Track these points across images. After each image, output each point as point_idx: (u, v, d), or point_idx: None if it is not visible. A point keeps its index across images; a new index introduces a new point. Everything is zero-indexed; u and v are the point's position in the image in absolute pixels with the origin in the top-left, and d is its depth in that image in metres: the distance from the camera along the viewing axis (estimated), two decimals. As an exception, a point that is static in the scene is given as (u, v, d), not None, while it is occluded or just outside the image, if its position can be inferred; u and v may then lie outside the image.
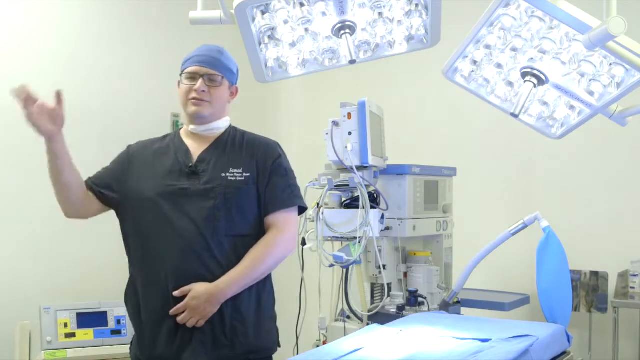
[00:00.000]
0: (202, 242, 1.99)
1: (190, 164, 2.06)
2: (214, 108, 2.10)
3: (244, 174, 2.06)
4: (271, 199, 2.08)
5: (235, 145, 2.13)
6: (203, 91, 2.06)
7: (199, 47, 2.14)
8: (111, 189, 2.10)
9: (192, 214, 2.00)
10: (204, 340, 1.98)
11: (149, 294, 2.03)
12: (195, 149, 2.11)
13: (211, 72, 2.08)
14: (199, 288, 1.96)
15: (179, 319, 1.97)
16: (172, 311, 1.97)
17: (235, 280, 1.99)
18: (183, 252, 1.98)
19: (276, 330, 2.17)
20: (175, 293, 1.97)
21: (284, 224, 2.08)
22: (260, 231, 2.08)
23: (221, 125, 2.15)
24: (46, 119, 1.93)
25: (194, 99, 2.07)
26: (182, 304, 1.96)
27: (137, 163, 2.11)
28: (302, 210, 2.18)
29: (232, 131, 2.17)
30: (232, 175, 2.05)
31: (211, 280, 1.98)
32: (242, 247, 2.03)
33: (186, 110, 2.11)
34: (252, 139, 2.16)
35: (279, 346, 2.18)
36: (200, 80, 2.06)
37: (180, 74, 2.12)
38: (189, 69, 2.09)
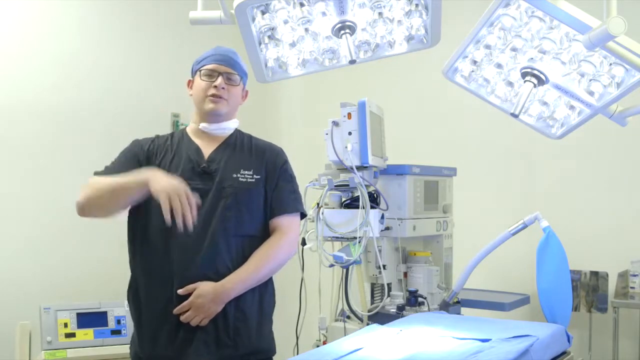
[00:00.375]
0: (211, 242, 1.99)
1: (203, 164, 2.07)
2: (230, 106, 2.12)
3: (255, 176, 2.09)
4: (277, 202, 2.10)
5: (244, 147, 2.15)
6: (223, 88, 2.08)
7: (214, 47, 2.15)
8: None
9: (203, 213, 2.00)
10: (206, 340, 1.99)
11: (153, 292, 2.03)
12: (205, 148, 2.12)
13: (230, 70, 2.11)
14: (204, 287, 1.96)
15: (182, 317, 1.97)
16: (176, 309, 1.97)
17: (241, 280, 2.00)
18: (191, 251, 1.99)
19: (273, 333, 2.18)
20: (180, 291, 1.97)
21: (288, 227, 2.11)
22: (265, 233, 2.10)
23: (231, 125, 2.17)
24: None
25: (213, 95, 2.08)
26: (187, 302, 1.96)
27: (152, 162, 2.09)
28: (302, 216, 2.21)
29: (238, 134, 2.19)
30: (242, 176, 2.07)
31: (216, 280, 1.98)
32: (249, 248, 2.05)
33: (202, 107, 2.11)
34: (261, 144, 2.20)
35: None
36: (220, 78, 2.08)
37: (197, 72, 2.13)
38: (208, 67, 2.10)
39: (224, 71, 2.10)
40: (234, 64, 2.12)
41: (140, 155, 2.11)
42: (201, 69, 2.11)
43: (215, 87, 2.08)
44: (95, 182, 2.02)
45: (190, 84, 2.17)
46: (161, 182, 1.88)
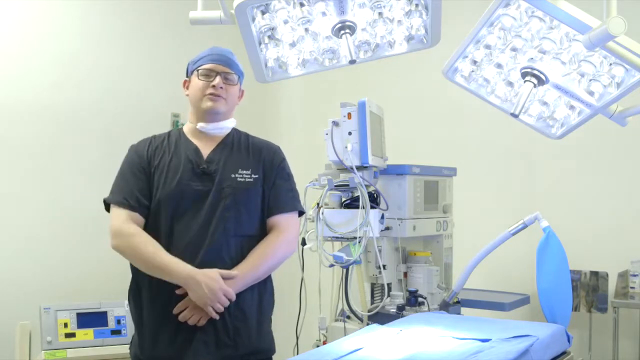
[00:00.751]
0: (210, 242, 1.99)
1: (203, 165, 2.07)
2: (228, 105, 2.13)
3: (253, 176, 2.09)
4: (275, 201, 2.10)
5: (241, 147, 2.15)
6: (221, 87, 2.08)
7: (210, 47, 2.15)
8: (151, 203, 2.07)
9: (203, 214, 2.01)
10: (206, 340, 1.99)
11: (153, 293, 2.03)
12: (203, 148, 2.12)
13: (228, 70, 2.11)
14: None
15: (180, 316, 1.97)
16: (175, 309, 1.97)
17: (238, 278, 1.99)
18: (190, 252, 1.99)
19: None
20: (178, 291, 1.97)
21: (286, 226, 2.10)
22: (263, 232, 2.10)
23: (229, 125, 2.17)
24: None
25: (211, 94, 2.08)
26: (184, 300, 1.97)
27: (154, 167, 2.09)
28: (300, 214, 2.21)
29: (235, 133, 2.19)
30: (241, 176, 2.07)
31: None
32: (248, 247, 2.05)
33: (201, 106, 2.10)
34: (257, 142, 2.19)
35: None
36: (218, 77, 2.09)
37: (193, 71, 2.13)
38: (206, 66, 2.10)
39: (221, 71, 2.10)
40: (231, 63, 2.12)
41: (143, 164, 2.10)
42: (198, 68, 2.11)
43: (214, 86, 2.08)
44: (134, 236, 1.99)
45: (186, 84, 2.17)
46: (201, 290, 1.92)
